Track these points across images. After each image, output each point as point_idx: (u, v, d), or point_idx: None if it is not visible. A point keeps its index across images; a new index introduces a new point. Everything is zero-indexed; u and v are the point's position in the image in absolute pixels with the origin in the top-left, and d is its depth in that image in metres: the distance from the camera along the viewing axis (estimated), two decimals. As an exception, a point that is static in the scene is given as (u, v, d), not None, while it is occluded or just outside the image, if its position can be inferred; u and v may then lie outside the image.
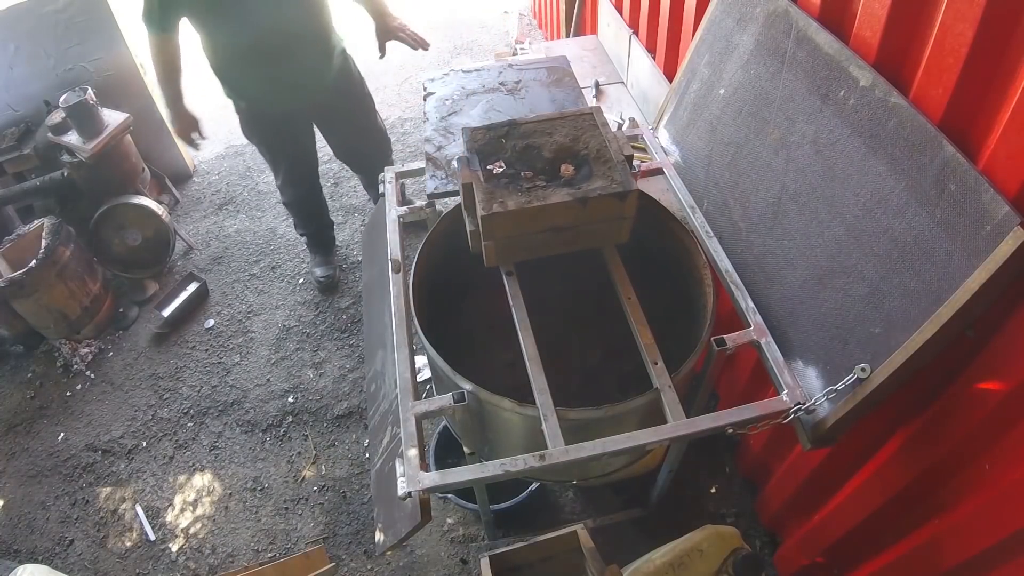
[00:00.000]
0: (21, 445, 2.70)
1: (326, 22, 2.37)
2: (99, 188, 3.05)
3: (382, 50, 2.48)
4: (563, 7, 3.76)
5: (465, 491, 2.08)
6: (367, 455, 2.48)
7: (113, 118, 3.00)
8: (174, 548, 2.33)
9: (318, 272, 3.12)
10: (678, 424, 1.24)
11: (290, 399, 2.71)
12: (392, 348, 1.45)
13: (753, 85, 1.58)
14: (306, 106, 2.54)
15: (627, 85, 2.83)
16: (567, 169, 1.39)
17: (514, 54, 3.83)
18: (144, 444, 2.63)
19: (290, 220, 3.51)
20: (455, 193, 1.57)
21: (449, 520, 2.27)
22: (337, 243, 3.26)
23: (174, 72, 2.28)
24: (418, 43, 2.44)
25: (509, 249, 1.41)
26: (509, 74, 2.03)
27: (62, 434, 2.71)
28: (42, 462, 2.63)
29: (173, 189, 3.69)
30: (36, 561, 2.33)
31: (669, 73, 2.37)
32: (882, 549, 1.52)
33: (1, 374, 2.98)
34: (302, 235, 3.13)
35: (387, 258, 1.62)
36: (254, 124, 2.53)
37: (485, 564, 1.46)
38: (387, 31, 2.43)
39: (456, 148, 1.76)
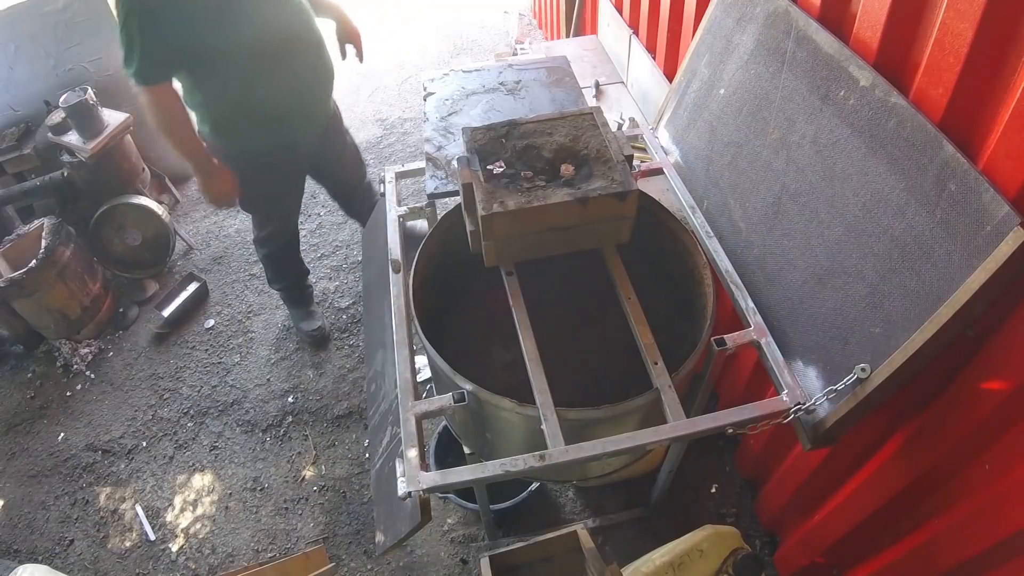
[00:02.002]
0: (21, 445, 2.70)
1: (327, 52, 2.22)
2: (99, 188, 3.05)
3: (343, 53, 2.40)
4: (563, 7, 3.76)
5: (465, 491, 2.08)
6: (367, 455, 2.48)
7: (113, 118, 2.99)
8: (174, 548, 2.33)
9: (305, 327, 2.86)
10: (678, 424, 1.24)
11: (290, 399, 2.71)
12: (392, 348, 1.45)
13: (753, 85, 1.58)
14: (309, 145, 2.34)
15: (627, 85, 2.83)
16: (567, 169, 1.39)
17: (514, 54, 3.83)
18: (144, 444, 2.63)
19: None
20: (455, 193, 1.57)
21: (449, 520, 2.27)
22: (316, 292, 3.02)
23: (188, 124, 1.99)
24: (361, 55, 2.42)
25: (509, 249, 1.41)
26: (509, 74, 2.03)
27: (62, 434, 2.71)
28: (42, 462, 2.63)
29: (173, 189, 3.69)
30: (36, 561, 2.32)
31: (669, 73, 2.37)
32: (882, 549, 1.52)
33: (1, 374, 2.98)
34: (278, 290, 2.86)
35: (387, 258, 1.63)
36: (262, 177, 2.25)
37: (485, 564, 1.46)
38: (349, 34, 2.36)
39: (456, 148, 1.76)
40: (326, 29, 2.26)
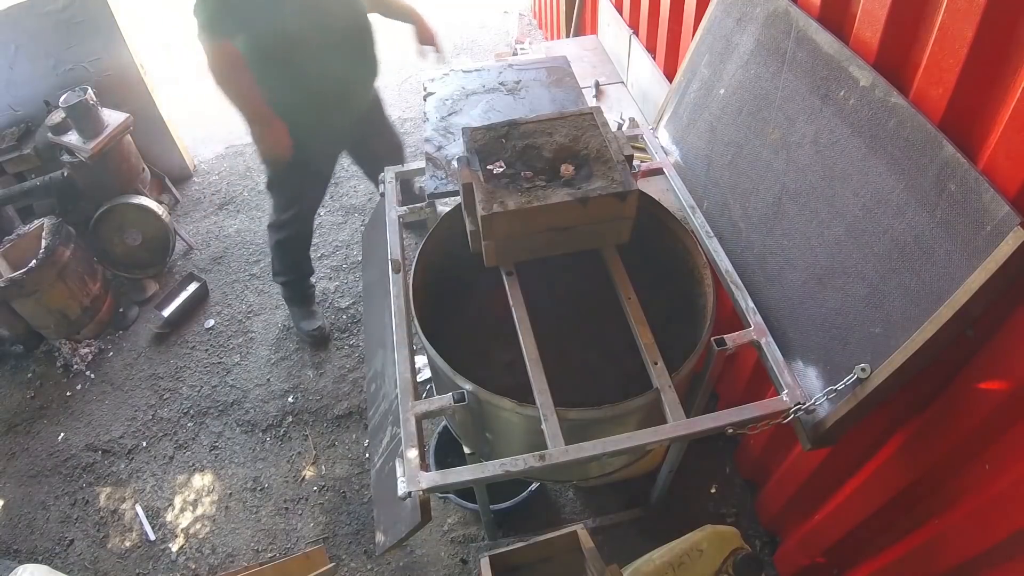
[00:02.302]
0: (21, 445, 2.70)
1: (374, 46, 2.34)
2: (99, 188, 3.05)
3: (423, 53, 2.50)
4: (563, 7, 3.76)
5: (465, 491, 2.08)
6: (367, 455, 2.48)
7: (113, 118, 2.99)
8: (174, 548, 2.33)
9: (306, 326, 2.84)
10: (678, 424, 1.24)
11: (290, 399, 2.71)
12: (392, 348, 1.45)
13: (753, 85, 1.58)
14: (342, 131, 2.42)
15: (627, 85, 2.83)
16: (567, 169, 1.39)
17: (514, 54, 3.83)
18: (144, 444, 2.63)
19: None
20: (455, 193, 1.57)
21: (449, 520, 2.27)
22: (316, 292, 2.99)
23: (247, 77, 2.02)
24: (441, 55, 2.55)
25: (509, 249, 1.41)
26: (509, 74, 2.03)
27: (62, 434, 2.71)
28: (42, 462, 2.63)
29: (173, 189, 3.69)
30: (36, 561, 2.32)
31: (669, 73, 2.37)
32: (882, 549, 1.52)
33: (1, 374, 2.98)
34: (282, 283, 2.83)
35: (387, 258, 1.62)
36: (293, 157, 2.24)
37: (485, 564, 1.46)
38: (426, 37, 2.47)
39: (456, 148, 1.76)
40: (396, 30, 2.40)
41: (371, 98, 2.50)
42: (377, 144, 2.68)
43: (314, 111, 2.21)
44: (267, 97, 2.09)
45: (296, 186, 2.46)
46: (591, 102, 2.61)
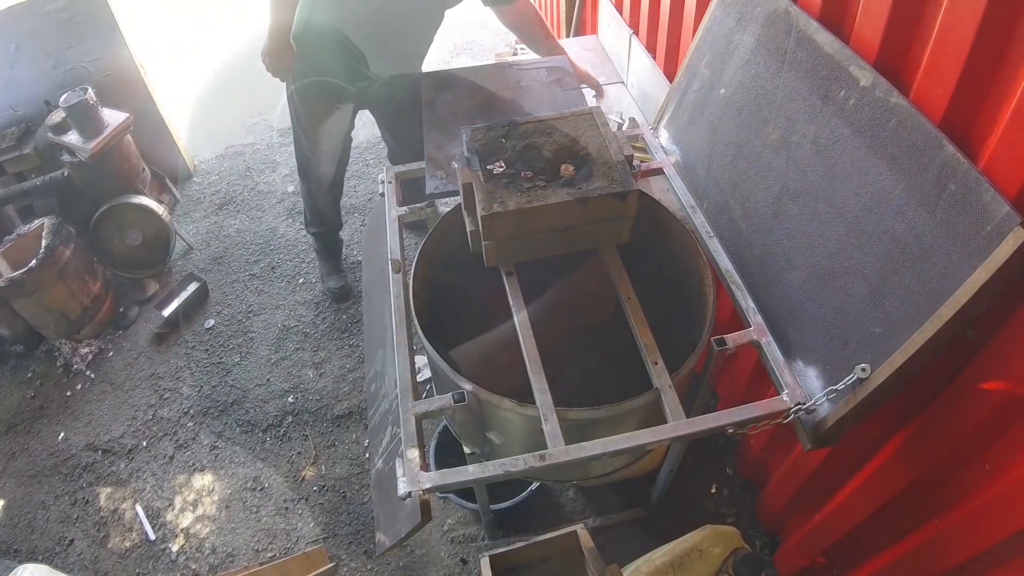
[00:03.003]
0: (21, 445, 2.70)
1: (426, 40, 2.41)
2: (99, 188, 3.05)
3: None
4: (563, 7, 3.75)
5: (465, 491, 2.08)
6: (367, 455, 2.48)
7: (113, 118, 2.99)
8: (174, 548, 2.33)
9: (331, 283, 3.04)
10: (678, 424, 1.24)
11: (290, 399, 2.71)
12: (392, 348, 1.45)
13: (753, 85, 1.57)
14: (365, 93, 2.50)
15: (627, 85, 2.83)
16: (567, 169, 1.39)
17: (514, 54, 3.83)
18: (144, 444, 2.63)
19: (290, 220, 3.52)
20: (455, 193, 1.57)
21: (449, 520, 2.27)
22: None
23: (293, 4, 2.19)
24: (599, 89, 2.56)
25: (509, 249, 1.41)
26: (509, 74, 2.03)
27: (62, 434, 2.71)
28: (42, 462, 2.63)
29: (173, 189, 3.69)
30: (36, 561, 2.32)
31: (669, 73, 2.37)
32: (882, 549, 1.52)
33: (1, 374, 2.98)
34: (313, 234, 3.02)
35: (387, 258, 1.62)
36: (319, 97, 2.41)
37: (485, 564, 1.46)
38: (581, 78, 2.45)
39: (456, 148, 1.76)
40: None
41: (409, 79, 2.49)
42: (406, 122, 2.67)
43: (345, 50, 2.25)
44: (308, 28, 2.19)
45: (312, 129, 2.54)
46: (591, 102, 2.60)
